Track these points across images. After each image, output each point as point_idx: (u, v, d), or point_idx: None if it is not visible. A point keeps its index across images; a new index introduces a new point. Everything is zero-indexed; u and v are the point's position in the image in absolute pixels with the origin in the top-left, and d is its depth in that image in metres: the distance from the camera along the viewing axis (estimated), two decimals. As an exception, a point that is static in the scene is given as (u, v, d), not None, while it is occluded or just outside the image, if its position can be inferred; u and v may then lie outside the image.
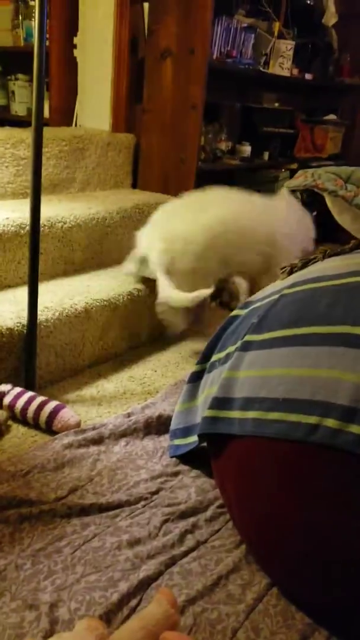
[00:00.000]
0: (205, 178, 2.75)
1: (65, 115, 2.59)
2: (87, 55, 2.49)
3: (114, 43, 2.38)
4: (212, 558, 1.05)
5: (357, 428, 0.91)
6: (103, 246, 2.11)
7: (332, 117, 3.87)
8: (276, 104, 3.45)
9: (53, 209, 2.00)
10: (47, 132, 2.28)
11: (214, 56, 2.52)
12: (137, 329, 2.01)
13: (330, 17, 3.47)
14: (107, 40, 2.38)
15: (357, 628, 0.91)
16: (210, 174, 2.82)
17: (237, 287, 2.67)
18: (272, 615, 0.94)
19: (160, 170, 2.55)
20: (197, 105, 2.42)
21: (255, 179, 3.14)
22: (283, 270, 1.38)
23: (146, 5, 2.40)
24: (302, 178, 1.06)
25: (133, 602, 0.92)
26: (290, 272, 1.36)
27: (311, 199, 3.49)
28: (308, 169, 1.07)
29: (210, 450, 1.23)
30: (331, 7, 3.47)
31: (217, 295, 2.68)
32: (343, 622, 0.93)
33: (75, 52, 2.51)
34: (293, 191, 3.42)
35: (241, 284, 2.69)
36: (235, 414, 1.11)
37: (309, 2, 3.38)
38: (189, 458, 1.32)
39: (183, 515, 1.15)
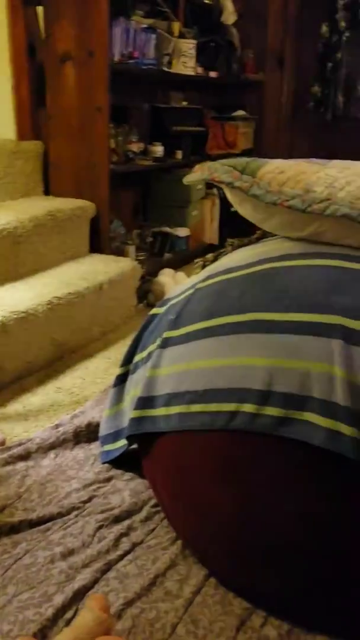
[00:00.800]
0: (120, 180, 2.74)
1: (-32, 126, 2.52)
2: (-15, 63, 2.43)
3: (10, 48, 2.33)
4: (149, 558, 1.04)
5: (273, 410, 0.93)
6: (17, 257, 2.06)
7: (241, 113, 3.95)
8: (184, 103, 3.49)
9: None
10: None
11: (116, 58, 2.52)
12: (61, 338, 1.98)
13: (229, 16, 3.55)
14: (2, 46, 2.33)
15: (294, 607, 0.94)
16: (124, 176, 2.82)
17: (162, 288, 2.69)
18: (211, 605, 0.95)
19: (71, 175, 2.52)
20: (102, 107, 2.41)
21: (170, 178, 3.16)
22: (197, 264, 1.40)
23: (40, 8, 2.37)
24: (199, 172, 1.07)
25: (69, 614, 0.91)
26: (204, 266, 1.38)
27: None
28: (205, 162, 1.09)
29: (140, 451, 1.22)
30: (229, 6, 3.54)
31: (144, 297, 2.69)
32: (280, 602, 0.95)
33: (-28, 61, 2.44)
34: (214, 186, 3.47)
35: (166, 283, 2.71)
36: (160, 411, 1.11)
37: (206, 1, 3.43)
38: (121, 462, 1.31)
39: (117, 519, 1.14)
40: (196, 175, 1.08)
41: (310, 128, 3.98)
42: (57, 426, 1.46)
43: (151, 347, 1.22)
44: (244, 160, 1.08)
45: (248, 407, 0.96)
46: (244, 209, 1.13)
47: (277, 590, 0.95)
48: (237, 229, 2.32)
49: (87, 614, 0.76)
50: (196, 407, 1.03)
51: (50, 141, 2.51)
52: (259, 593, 0.96)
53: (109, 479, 1.27)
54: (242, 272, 1.11)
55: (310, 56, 3.85)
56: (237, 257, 1.19)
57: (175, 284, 2.67)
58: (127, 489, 1.23)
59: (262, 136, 4.07)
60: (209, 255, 1.35)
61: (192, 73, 3.13)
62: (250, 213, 1.11)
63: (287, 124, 4.05)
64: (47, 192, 2.59)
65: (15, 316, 1.72)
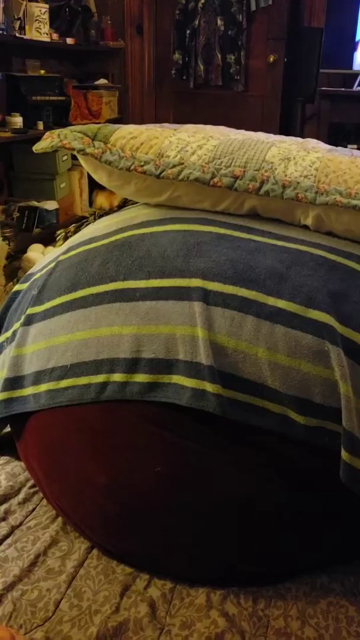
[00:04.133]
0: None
1: None
2: None
3: None
4: (29, 539, 1.02)
5: (141, 377, 0.94)
6: None
7: (103, 81, 3.86)
8: (42, 72, 3.34)
9: None
10: None
11: None
12: None
13: (83, -21, 3.42)
14: None
15: (173, 564, 0.96)
16: (-17, 150, 2.66)
17: (32, 265, 2.59)
18: (94, 576, 0.95)
19: None
20: None
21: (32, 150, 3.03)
22: (59, 236, 1.36)
23: None
24: (49, 139, 1.03)
25: None
26: (66, 238, 1.34)
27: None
28: (57, 129, 1.05)
29: (12, 433, 1.18)
30: (82, -31, 3.41)
31: (14, 276, 2.58)
32: (159, 562, 0.97)
33: None
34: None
35: (36, 259, 2.61)
36: (28, 390, 1.08)
37: None
38: (-5, 446, 1.26)
39: (-6, 505, 1.10)
40: (46, 142, 1.04)
41: (174, 96, 3.99)
42: None
43: (15, 326, 1.18)
44: (95, 126, 1.06)
45: (117, 377, 0.96)
46: (99, 176, 1.11)
47: (155, 550, 0.97)
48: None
49: None
50: (65, 382, 1.02)
51: None
52: (140, 556, 0.98)
53: (-17, 466, 1.22)
54: (103, 241, 1.10)
55: (169, 22, 3.84)
56: (99, 227, 1.17)
57: (47, 260, 2.59)
58: (3, 472, 1.19)
59: (126, 105, 4.02)
60: (71, 227, 1.31)
61: (47, 39, 3.00)
62: (106, 180, 1.10)
63: (151, 93, 4.03)
64: None
65: None
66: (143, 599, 0.91)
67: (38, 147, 1.05)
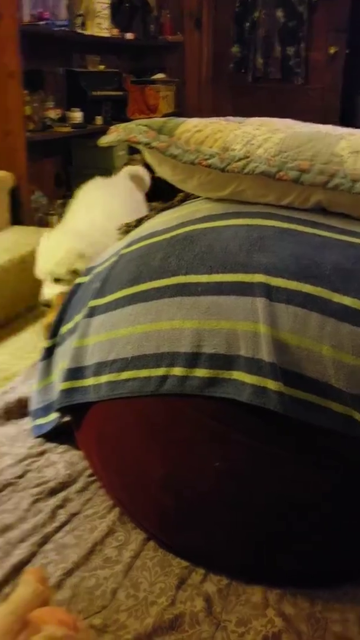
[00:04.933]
0: (39, 149, 2.64)
1: None
2: None
3: None
4: (86, 527, 1.04)
5: (202, 371, 0.93)
6: None
7: (161, 76, 3.88)
8: (101, 67, 3.38)
9: None
10: None
11: (25, 19, 2.39)
12: (-14, 315, 1.91)
13: (143, -26, 3.44)
14: None
15: (230, 561, 0.96)
16: (44, 145, 2.72)
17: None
18: (150, 567, 0.96)
19: (-14, 144, 2.40)
20: (14, 73, 2.29)
21: (91, 144, 3.06)
22: (120, 230, 1.37)
23: None
24: (115, 133, 1.04)
25: (6, 590, 0.89)
26: (127, 232, 1.35)
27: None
28: (121, 123, 1.05)
29: (72, 422, 1.21)
30: (142, -36, 3.43)
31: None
32: (216, 558, 0.97)
33: None
34: (137, 152, 3.40)
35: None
36: (89, 381, 1.10)
37: None
38: (54, 435, 1.28)
39: (53, 492, 1.12)
40: (112, 136, 1.05)
41: (232, 90, 3.97)
42: (-14, 405, 1.42)
43: (77, 318, 1.20)
44: (161, 119, 1.06)
45: (177, 371, 0.96)
46: (163, 170, 1.11)
47: (211, 546, 0.97)
48: (160, 194, 2.29)
49: (24, 587, 0.75)
50: (126, 374, 1.03)
51: None
52: (196, 551, 0.98)
53: (42, 453, 1.25)
54: (165, 235, 1.10)
55: (229, 16, 3.81)
56: (160, 221, 1.18)
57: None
58: (62, 461, 1.22)
59: (184, 99, 4.02)
60: (132, 221, 1.32)
61: (108, 35, 3.03)
62: (170, 174, 1.10)
63: (209, 87, 4.02)
64: None
65: None
66: (199, 593, 0.91)
67: (104, 141, 1.06)
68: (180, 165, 1.04)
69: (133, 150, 3.31)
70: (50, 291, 1.72)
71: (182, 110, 4.00)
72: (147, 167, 2.72)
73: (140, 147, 1.03)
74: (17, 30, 2.25)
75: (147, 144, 1.01)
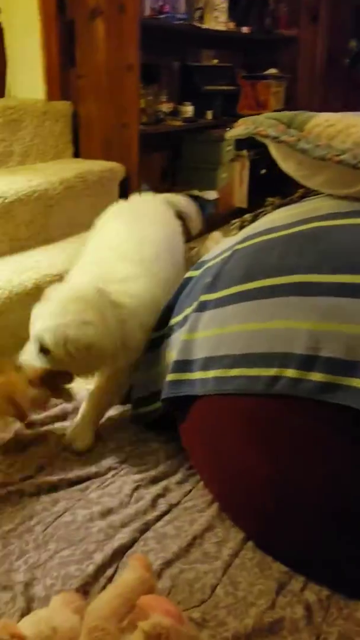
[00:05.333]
0: (148, 142, 2.68)
1: (-4, 86, 2.48)
2: (13, 19, 2.36)
3: (39, 3, 2.25)
4: (186, 519, 1.04)
5: (317, 375, 0.90)
6: (49, 219, 2.04)
7: (272, 71, 3.82)
8: (215, 61, 3.38)
9: (-8, 185, 1.92)
10: (-21, 104, 2.18)
11: (146, 13, 2.43)
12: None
13: (262, -32, 3.40)
14: (31, 1, 2.26)
15: (333, 573, 0.93)
16: (153, 138, 2.76)
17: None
18: (249, 567, 0.94)
19: (101, 136, 2.47)
20: (133, 66, 2.34)
21: (200, 139, 3.08)
22: (233, 225, 1.36)
23: None
24: (243, 126, 1.03)
25: (109, 572, 0.91)
26: (241, 227, 1.34)
27: (258, 157, 3.47)
28: (248, 117, 1.04)
29: (175, 414, 1.22)
30: None
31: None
32: (318, 568, 0.94)
33: (0, 17, 2.38)
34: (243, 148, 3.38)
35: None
36: (197, 374, 1.10)
37: None
38: (155, 424, 1.30)
39: (154, 480, 1.14)
40: (240, 129, 1.04)
41: (345, 87, 3.83)
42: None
43: (187, 311, 1.20)
44: (290, 113, 1.03)
45: (291, 372, 0.93)
46: (287, 166, 1.08)
47: (313, 555, 0.94)
48: (266, 192, 2.24)
49: (131, 573, 0.76)
50: (234, 371, 1.01)
51: (80, 101, 2.46)
52: (297, 558, 0.96)
53: (144, 441, 1.27)
54: (284, 232, 1.07)
55: (347, 10, 3.68)
56: (278, 217, 1.15)
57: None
58: (162, 450, 1.23)
59: (294, 96, 3.94)
60: (247, 216, 1.31)
61: (224, 28, 3.02)
62: (294, 169, 1.07)
63: (321, 83, 3.91)
64: (76, 154, 2.55)
65: (48, 279, 1.71)
66: (299, 601, 0.89)
67: (232, 134, 1.05)
68: (307, 160, 1.01)
69: (240, 146, 3.29)
70: (29, 358, 1.16)
71: (291, 107, 3.92)
72: (255, 165, 2.66)
73: (267, 141, 1.01)
74: (138, 23, 2.29)
75: (275, 138, 0.99)
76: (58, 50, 2.37)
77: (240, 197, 3.50)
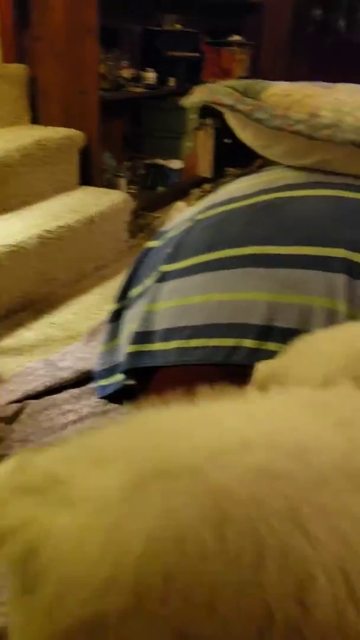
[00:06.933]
0: (110, 109, 2.62)
1: None
2: (-35, -23, 2.25)
3: None
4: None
5: (272, 345, 0.92)
6: (6, 188, 1.98)
7: (237, 38, 3.75)
8: (178, 26, 3.30)
9: None
10: None
11: (105, -27, 2.35)
12: (53, 273, 1.94)
13: None
14: None
15: None
16: (115, 105, 2.69)
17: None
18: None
19: (60, 102, 2.40)
20: (92, 29, 2.26)
21: (163, 106, 3.02)
22: (194, 195, 1.35)
23: None
24: (199, 94, 1.01)
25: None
26: (202, 197, 1.33)
27: (223, 126, 3.43)
28: (205, 84, 1.02)
29: (136, 385, 1.22)
30: None
31: (137, 233, 2.62)
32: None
33: None
34: (208, 116, 3.33)
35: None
36: (158, 345, 1.10)
37: None
38: (117, 396, 1.30)
39: (114, 452, 1.14)
40: (195, 97, 1.02)
41: (310, 55, 3.80)
42: (51, 361, 1.45)
43: (147, 282, 1.19)
44: (247, 81, 1.02)
45: (249, 343, 0.94)
46: (245, 135, 1.07)
47: None
48: (231, 162, 2.23)
49: None
50: (195, 342, 1.02)
51: (37, 65, 2.37)
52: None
53: (105, 412, 1.27)
54: (245, 202, 1.07)
55: (312, -24, 3.63)
56: (239, 187, 1.15)
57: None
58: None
59: (259, 63, 3.89)
60: (207, 186, 1.29)
61: (187, -9, 2.94)
62: (252, 139, 1.06)
63: (287, 50, 3.87)
64: (34, 120, 2.47)
65: (5, 249, 1.67)
66: None
67: (188, 102, 1.04)
68: (265, 130, 1.01)
69: (204, 114, 3.24)
70: None
71: (256, 75, 3.88)
72: (220, 134, 2.64)
73: (223, 109, 1.00)
74: (96, -16, 2.20)
75: (231, 107, 0.98)
76: (12, 10, 2.27)
77: (204, 166, 3.47)
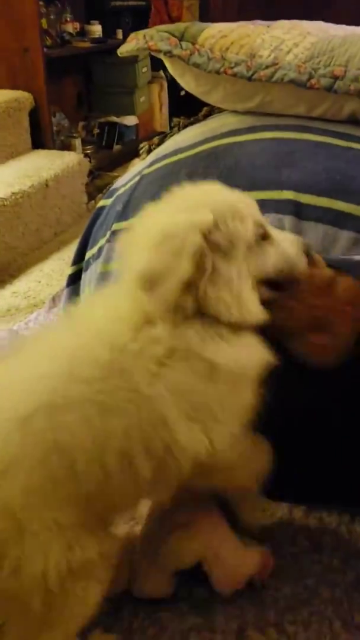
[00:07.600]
0: (58, 67, 2.53)
1: None
2: None
3: None
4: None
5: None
6: None
7: (184, -17, 3.62)
8: (121, -26, 3.16)
9: None
10: None
11: None
12: (12, 241, 1.90)
13: None
14: None
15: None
16: (62, 62, 2.60)
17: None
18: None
19: (3, 63, 2.30)
20: (28, -19, 2.15)
21: (112, 61, 2.92)
22: (142, 149, 1.32)
23: None
24: (134, 41, 0.98)
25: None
26: (149, 151, 1.30)
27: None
28: (139, 31, 0.98)
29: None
30: None
31: (96, 194, 2.57)
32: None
33: None
34: (161, 68, 3.23)
35: None
36: (114, 305, 1.09)
37: None
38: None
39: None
40: (131, 44, 0.98)
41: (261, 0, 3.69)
42: (14, 331, 1.44)
43: (101, 242, 1.17)
44: (183, 24, 0.98)
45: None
46: (186, 82, 1.04)
47: None
48: (188, 114, 2.17)
49: None
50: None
51: (-27, 22, 2.26)
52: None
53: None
54: (188, 152, 1.05)
55: None
56: (184, 138, 1.12)
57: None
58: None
59: (208, 10, 3.77)
60: (155, 139, 1.27)
61: None
62: (193, 85, 1.03)
63: (235, -5, 3.75)
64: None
65: None
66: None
67: (123, 50, 1.00)
68: (204, 74, 0.98)
69: (156, 67, 3.15)
70: None
71: (205, 21, 3.76)
72: (175, 86, 2.57)
73: (161, 56, 0.96)
74: None
75: (168, 52, 0.95)
76: None
77: (161, 120, 3.39)
